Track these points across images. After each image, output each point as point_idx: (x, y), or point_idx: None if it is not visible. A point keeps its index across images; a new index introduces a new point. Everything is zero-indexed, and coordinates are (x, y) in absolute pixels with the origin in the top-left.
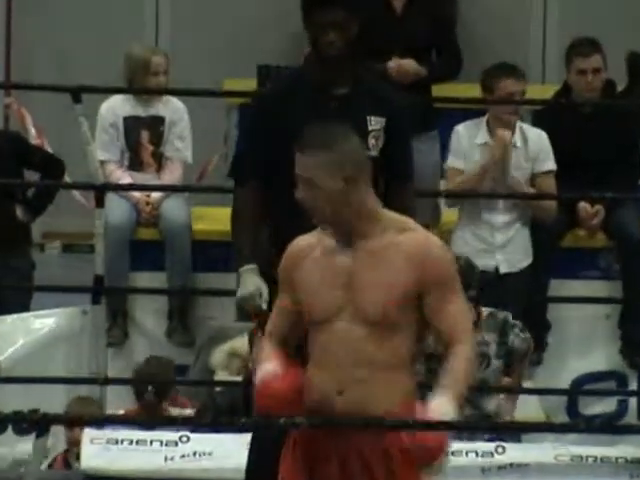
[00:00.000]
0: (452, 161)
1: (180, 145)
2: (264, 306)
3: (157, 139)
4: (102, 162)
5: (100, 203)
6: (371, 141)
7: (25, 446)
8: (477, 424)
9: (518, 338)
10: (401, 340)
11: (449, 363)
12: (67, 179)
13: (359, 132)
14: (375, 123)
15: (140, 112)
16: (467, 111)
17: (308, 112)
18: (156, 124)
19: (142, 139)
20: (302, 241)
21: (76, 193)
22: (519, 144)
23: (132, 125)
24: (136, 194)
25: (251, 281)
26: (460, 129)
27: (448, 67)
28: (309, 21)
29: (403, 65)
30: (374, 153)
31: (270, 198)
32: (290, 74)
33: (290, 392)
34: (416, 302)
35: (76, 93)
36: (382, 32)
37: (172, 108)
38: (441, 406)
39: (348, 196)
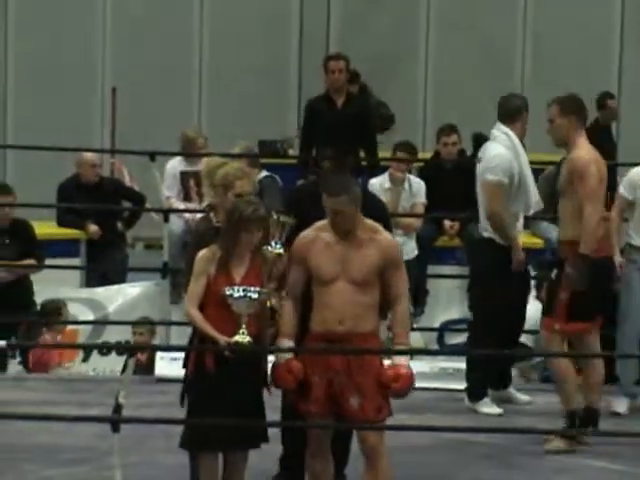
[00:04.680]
0: None
1: None
2: None
3: (199, 184)
4: (167, 197)
5: (166, 219)
6: None
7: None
8: (390, 350)
9: None
10: (374, 294)
11: (396, 316)
12: (147, 206)
13: None
14: None
15: (189, 168)
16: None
17: (313, 203)
18: (199, 175)
19: (190, 184)
20: (307, 235)
21: (153, 214)
22: (407, 187)
23: (185, 176)
24: (187, 214)
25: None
26: (374, 181)
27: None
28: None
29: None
30: None
31: None
32: (310, 182)
33: (295, 372)
34: (381, 272)
35: (152, 155)
36: (327, 121)
37: None
38: (402, 357)
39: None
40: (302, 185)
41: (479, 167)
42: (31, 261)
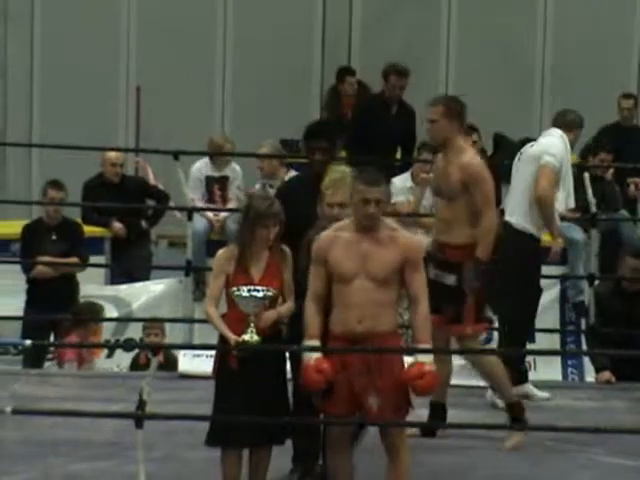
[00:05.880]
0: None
1: (236, 191)
2: None
3: (223, 188)
4: (191, 199)
5: (190, 219)
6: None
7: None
8: (408, 348)
9: None
10: (393, 291)
11: (417, 320)
12: (171, 204)
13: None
14: None
15: (215, 173)
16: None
17: (303, 197)
18: (224, 180)
19: (214, 189)
20: (327, 235)
21: (176, 212)
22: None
23: (209, 181)
24: (209, 214)
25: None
26: (396, 180)
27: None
28: (305, 145)
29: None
30: None
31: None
32: (298, 176)
33: (326, 373)
34: (401, 270)
35: (176, 155)
36: (383, 126)
37: (233, 170)
38: (425, 356)
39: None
40: (290, 179)
41: (533, 152)
42: (74, 259)
